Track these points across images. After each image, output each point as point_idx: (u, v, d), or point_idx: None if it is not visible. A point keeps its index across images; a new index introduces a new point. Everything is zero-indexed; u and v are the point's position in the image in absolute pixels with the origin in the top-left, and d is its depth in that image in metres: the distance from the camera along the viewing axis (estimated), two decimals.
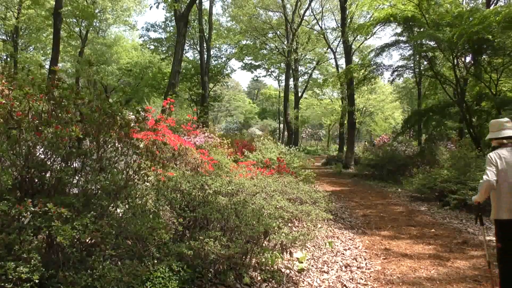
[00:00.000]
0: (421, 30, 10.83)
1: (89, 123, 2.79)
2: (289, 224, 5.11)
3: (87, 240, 2.50)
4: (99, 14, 23.51)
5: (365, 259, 4.41)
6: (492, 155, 3.20)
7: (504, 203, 3.11)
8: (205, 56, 20.98)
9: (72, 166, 2.76)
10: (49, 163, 2.65)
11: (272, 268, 3.59)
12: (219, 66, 25.51)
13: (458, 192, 7.20)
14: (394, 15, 11.20)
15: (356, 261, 4.33)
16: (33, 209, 2.20)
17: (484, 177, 3.13)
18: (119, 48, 26.00)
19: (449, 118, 12.79)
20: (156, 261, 2.73)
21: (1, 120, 2.49)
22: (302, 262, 3.95)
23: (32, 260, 2.07)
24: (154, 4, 23.48)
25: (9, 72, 3.00)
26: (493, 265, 3.44)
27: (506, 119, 3.37)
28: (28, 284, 1.99)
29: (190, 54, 26.81)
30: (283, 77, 30.51)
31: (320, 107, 33.89)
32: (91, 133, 2.82)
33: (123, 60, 25.85)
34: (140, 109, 3.14)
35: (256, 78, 44.59)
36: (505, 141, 3.24)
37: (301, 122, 31.99)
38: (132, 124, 3.05)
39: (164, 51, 24.67)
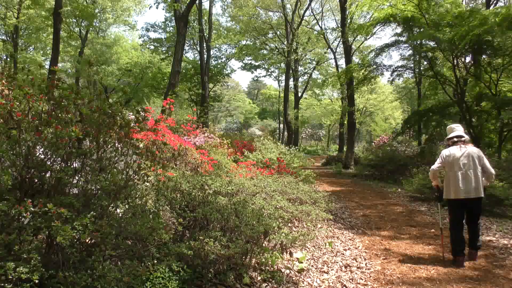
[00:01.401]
0: (421, 30, 10.82)
1: (89, 123, 2.79)
2: (289, 224, 5.11)
3: (87, 240, 2.50)
4: (99, 14, 23.52)
5: (365, 259, 4.41)
6: (443, 151, 4.22)
7: (452, 187, 4.11)
8: (205, 56, 20.97)
9: (72, 166, 2.76)
10: (49, 163, 2.64)
11: (272, 268, 3.59)
12: (219, 66, 25.48)
13: None
14: (394, 15, 11.20)
15: (356, 261, 4.33)
16: (33, 209, 2.20)
17: (432, 166, 4.25)
18: (119, 48, 26.00)
19: (449, 118, 12.76)
20: (156, 261, 2.72)
21: (1, 120, 2.49)
22: (302, 262, 3.95)
23: (32, 260, 2.06)
24: (154, 4, 23.63)
25: (9, 72, 3.00)
26: (445, 231, 4.51)
27: (457, 124, 4.40)
28: (28, 284, 1.99)
29: (190, 54, 26.86)
30: (283, 77, 30.52)
31: (320, 107, 33.94)
32: (91, 133, 2.82)
33: (123, 60, 25.83)
34: (140, 109, 3.13)
35: (256, 78, 44.51)
36: (455, 139, 4.18)
37: (301, 122, 32.01)
38: (132, 124, 3.05)
39: (164, 51, 24.65)
